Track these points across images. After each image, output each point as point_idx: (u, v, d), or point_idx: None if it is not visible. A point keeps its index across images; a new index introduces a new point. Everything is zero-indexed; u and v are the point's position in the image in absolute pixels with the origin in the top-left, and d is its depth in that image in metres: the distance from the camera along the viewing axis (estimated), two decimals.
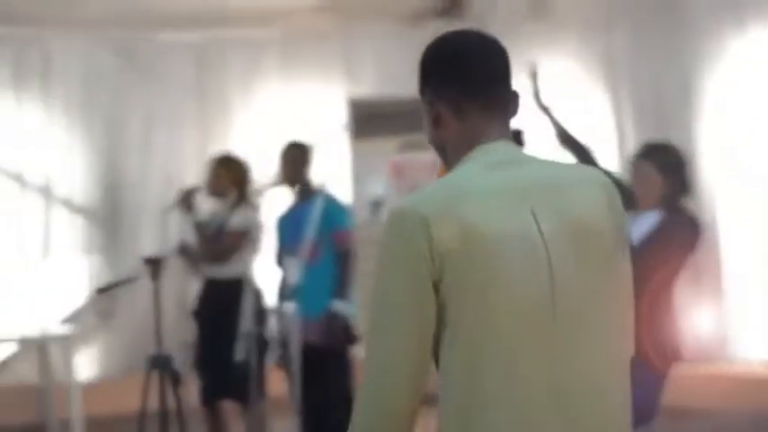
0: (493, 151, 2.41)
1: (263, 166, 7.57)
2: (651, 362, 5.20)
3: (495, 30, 9.10)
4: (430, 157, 9.14)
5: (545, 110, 5.46)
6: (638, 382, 5.24)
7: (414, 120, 8.98)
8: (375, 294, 2.29)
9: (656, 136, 8.22)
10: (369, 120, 9.16)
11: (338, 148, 9.78)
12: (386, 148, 9.36)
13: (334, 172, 9.56)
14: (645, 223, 5.36)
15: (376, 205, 6.94)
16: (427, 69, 2.52)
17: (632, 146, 8.79)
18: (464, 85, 2.44)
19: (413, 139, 9.27)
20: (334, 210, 6.73)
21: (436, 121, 2.45)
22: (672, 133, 8.29)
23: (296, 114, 9.98)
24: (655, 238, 5.28)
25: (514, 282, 2.24)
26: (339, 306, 6.55)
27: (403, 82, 10.00)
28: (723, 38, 8.26)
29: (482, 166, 2.37)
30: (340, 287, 6.62)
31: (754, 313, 8.12)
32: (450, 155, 2.46)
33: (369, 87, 9.89)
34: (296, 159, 7.04)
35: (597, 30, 9.19)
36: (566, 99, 9.39)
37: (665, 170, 5.39)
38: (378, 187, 8.69)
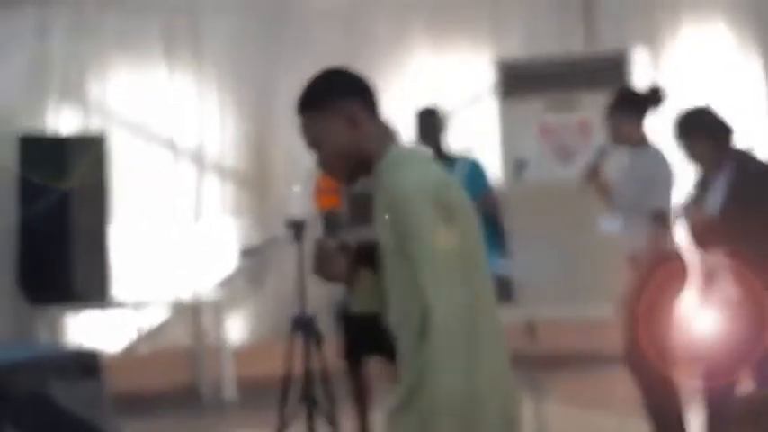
0: (417, 151, 3.39)
1: (412, 132, 7.53)
2: None
3: None
4: (577, 118, 9.02)
5: None
6: None
7: (562, 79, 8.90)
8: (428, 257, 2.98)
9: None
10: (516, 81, 9.04)
11: (486, 110, 9.71)
12: (534, 109, 9.22)
13: (482, 133, 9.51)
14: (717, 191, 5.33)
15: (520, 166, 6.87)
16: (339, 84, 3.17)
17: None
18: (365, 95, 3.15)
19: (560, 98, 9.12)
20: (476, 173, 6.68)
21: (352, 123, 3.08)
22: None
23: (445, 77, 9.92)
24: (727, 208, 5.26)
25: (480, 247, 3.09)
26: (501, 265, 6.49)
27: (550, 42, 9.98)
28: None
29: (427, 161, 3.25)
30: (498, 247, 6.56)
31: None
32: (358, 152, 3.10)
33: (516, 48, 9.79)
34: (429, 125, 7.00)
35: None
36: (714, 66, 9.23)
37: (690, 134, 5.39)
38: (525, 148, 8.58)
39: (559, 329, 7.99)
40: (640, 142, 6.32)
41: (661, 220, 6.21)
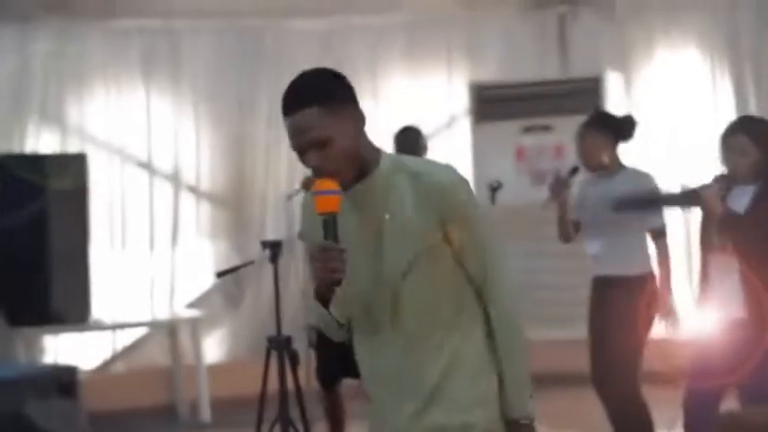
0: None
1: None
2: None
3: (618, 14, 9.08)
4: (552, 141, 9.13)
5: None
6: None
7: (536, 103, 9.00)
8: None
9: None
10: (491, 104, 9.14)
11: (461, 133, 9.82)
12: (509, 132, 9.33)
13: (457, 156, 9.61)
14: (744, 196, 5.30)
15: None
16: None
17: None
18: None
19: (535, 122, 9.24)
20: None
21: (360, 131, 3.07)
22: None
23: (420, 99, 10.03)
24: (756, 208, 5.22)
25: None
26: None
27: (526, 66, 10.09)
28: None
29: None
30: None
31: None
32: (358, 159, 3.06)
33: (492, 72, 9.89)
34: (410, 143, 7.08)
35: (721, 12, 9.05)
36: (686, 90, 9.34)
37: (759, 142, 5.31)
38: (500, 171, 8.66)
39: (533, 351, 8.04)
40: (613, 165, 6.40)
41: (663, 236, 6.31)
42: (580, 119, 6.65)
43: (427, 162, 3.21)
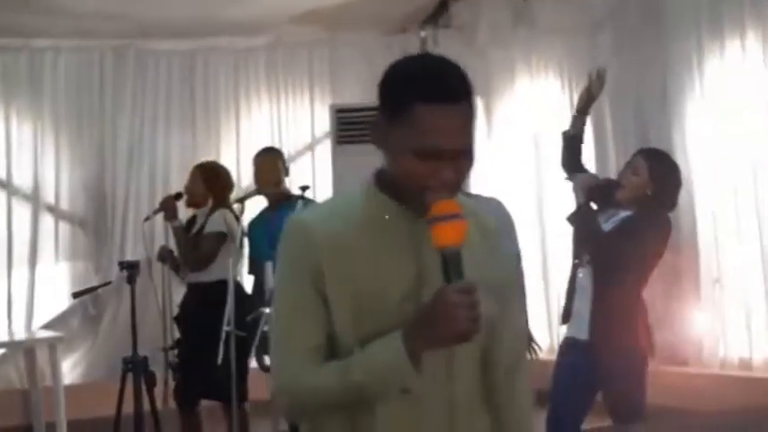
0: None
1: (251, 174, 7.65)
2: (638, 356, 5.38)
3: (479, 40, 9.24)
4: None
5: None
6: (637, 377, 5.40)
7: None
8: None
9: (635, 143, 8.33)
10: (352, 127, 9.24)
11: (322, 155, 9.90)
12: (368, 155, 9.40)
13: (318, 178, 9.70)
14: (618, 219, 5.51)
15: None
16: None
17: (612, 152, 8.87)
18: None
19: None
20: None
21: None
22: (651, 140, 8.36)
23: (283, 121, 10.11)
24: (626, 235, 5.41)
25: None
26: None
27: None
28: (702, 46, 8.30)
29: None
30: None
31: (732, 314, 8.17)
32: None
33: (355, 95, 9.98)
34: (267, 165, 7.13)
35: (581, 37, 9.24)
36: (547, 113, 9.53)
37: (652, 170, 5.54)
38: None
39: None
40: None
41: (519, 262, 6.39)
42: None
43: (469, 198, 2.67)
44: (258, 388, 6.68)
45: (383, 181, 2.42)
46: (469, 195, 6.29)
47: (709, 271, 8.27)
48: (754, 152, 7.91)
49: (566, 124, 6.25)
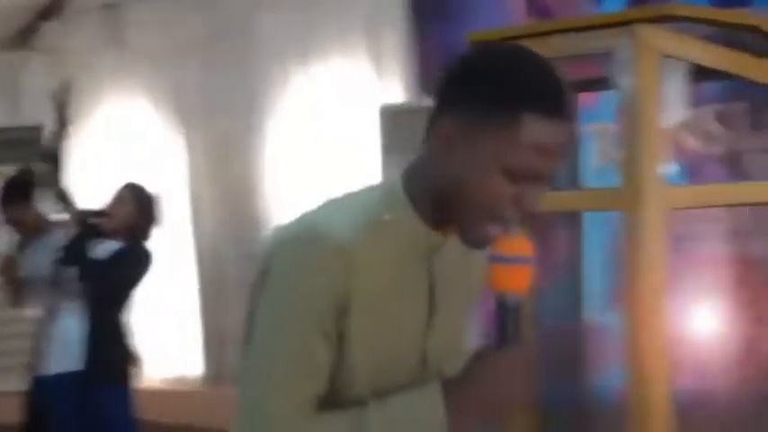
0: None
1: None
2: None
3: (69, 60, 9.04)
4: None
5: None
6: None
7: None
8: None
9: (224, 168, 8.51)
10: None
11: None
12: None
13: None
14: (108, 248, 5.71)
15: None
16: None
17: (203, 178, 9.00)
18: None
19: None
20: None
21: None
22: (239, 165, 8.56)
23: None
24: (116, 264, 5.61)
25: None
26: None
27: None
28: (288, 71, 8.56)
29: None
30: None
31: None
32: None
33: None
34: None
35: (169, 63, 9.30)
36: (137, 135, 9.54)
37: (138, 201, 5.80)
38: None
39: None
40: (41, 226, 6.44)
41: None
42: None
43: None
44: None
45: (418, 191, 1.96)
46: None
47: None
48: (334, 166, 8.27)
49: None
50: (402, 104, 7.65)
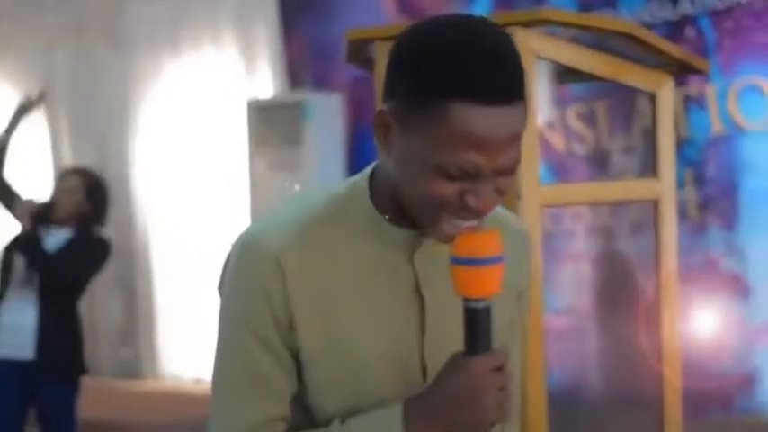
0: None
1: None
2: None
3: None
4: None
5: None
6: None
7: None
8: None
9: (93, 157, 8.42)
10: None
11: None
12: None
13: None
14: (60, 237, 5.57)
15: None
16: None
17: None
18: None
19: None
20: None
21: None
22: (108, 153, 8.49)
23: None
24: (68, 254, 5.49)
25: None
26: None
27: None
28: (159, 60, 8.53)
29: None
30: None
31: (181, 332, 8.50)
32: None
33: None
34: None
35: (37, 55, 9.18)
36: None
37: (90, 191, 5.66)
38: None
39: None
40: None
41: None
42: None
43: None
44: None
45: (379, 186, 1.73)
46: None
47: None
48: (201, 157, 8.25)
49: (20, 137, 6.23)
50: (270, 99, 7.69)
